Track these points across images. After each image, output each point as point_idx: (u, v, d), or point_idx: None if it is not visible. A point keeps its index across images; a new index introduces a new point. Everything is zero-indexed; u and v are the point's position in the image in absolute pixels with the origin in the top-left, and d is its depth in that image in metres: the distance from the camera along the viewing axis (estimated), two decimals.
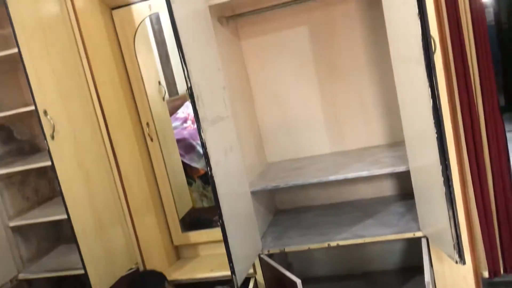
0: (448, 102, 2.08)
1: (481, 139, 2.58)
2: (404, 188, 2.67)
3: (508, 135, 6.20)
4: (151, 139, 2.76)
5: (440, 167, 1.77)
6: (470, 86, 2.50)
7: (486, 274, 2.68)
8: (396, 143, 2.61)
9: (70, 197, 2.30)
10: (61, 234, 3.23)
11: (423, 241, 2.16)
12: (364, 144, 2.74)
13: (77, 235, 2.32)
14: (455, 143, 2.12)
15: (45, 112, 2.20)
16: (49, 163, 2.35)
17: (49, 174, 3.19)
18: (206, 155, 1.98)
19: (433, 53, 1.89)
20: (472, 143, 2.54)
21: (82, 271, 2.41)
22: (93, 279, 2.37)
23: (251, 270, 2.42)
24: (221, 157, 2.11)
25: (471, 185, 2.57)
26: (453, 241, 1.82)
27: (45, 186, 3.17)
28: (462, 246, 1.83)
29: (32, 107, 2.25)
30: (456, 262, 1.85)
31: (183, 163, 3.28)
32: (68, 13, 2.48)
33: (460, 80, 2.47)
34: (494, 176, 2.62)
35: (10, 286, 2.78)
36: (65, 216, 2.36)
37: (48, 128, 2.21)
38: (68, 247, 3.10)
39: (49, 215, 2.82)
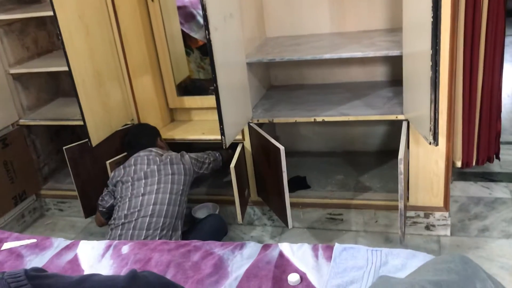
0: None
1: (479, 35, 2.61)
2: (395, 75, 2.75)
3: (509, 38, 6.12)
4: (152, 0, 2.74)
5: (431, 52, 1.82)
6: None
7: (459, 163, 2.88)
8: (396, 29, 2.62)
9: (71, 48, 2.34)
10: (59, 87, 3.33)
11: (404, 124, 2.29)
12: (365, 27, 2.74)
13: (77, 87, 2.39)
14: (451, 34, 2.14)
15: None
16: (50, 13, 2.35)
17: (48, 26, 3.21)
18: (205, 19, 2.00)
19: None
20: (470, 35, 2.58)
21: (80, 122, 2.54)
22: (90, 129, 2.50)
23: (240, 137, 2.56)
24: (220, 22, 2.13)
25: (461, 77, 2.66)
26: (430, 123, 1.93)
27: (44, 38, 3.20)
28: (438, 129, 1.95)
29: None
30: (430, 143, 1.99)
31: (183, 31, 3.28)
32: None
33: None
34: (485, 72, 2.70)
35: (12, 129, 2.94)
36: (64, 68, 2.42)
37: None
38: (66, 100, 3.23)
39: (48, 66, 2.89)
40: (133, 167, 2.40)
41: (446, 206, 2.45)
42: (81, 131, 2.89)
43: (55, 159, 3.30)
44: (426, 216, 2.49)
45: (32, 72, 2.93)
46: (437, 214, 2.47)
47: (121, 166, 2.46)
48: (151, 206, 2.26)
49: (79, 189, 2.69)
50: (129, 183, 2.35)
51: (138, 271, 1.12)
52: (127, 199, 2.31)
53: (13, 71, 2.90)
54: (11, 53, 2.92)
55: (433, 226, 2.49)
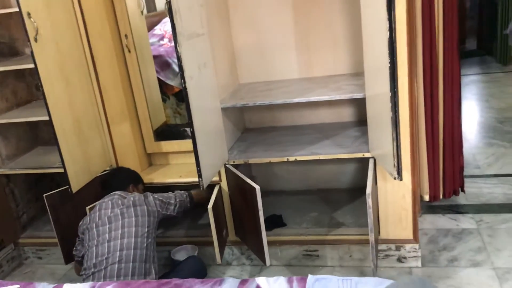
0: (407, 39, 2.25)
1: (437, 76, 2.81)
2: (361, 115, 2.91)
3: (472, 77, 6.45)
4: (129, 51, 2.88)
5: (390, 94, 1.98)
6: (434, 28, 2.70)
7: (427, 197, 3.02)
8: (360, 73, 2.80)
9: (52, 98, 2.43)
10: (39, 136, 3.40)
11: (371, 161, 2.43)
12: (331, 72, 2.93)
13: (57, 135, 2.47)
14: (409, 77, 2.32)
15: (29, 14, 2.28)
16: (29, 65, 2.46)
17: (27, 78, 3.30)
18: (181, 68, 2.14)
19: None
20: (429, 77, 2.77)
21: (59, 170, 2.61)
22: (71, 176, 2.57)
23: (217, 178, 2.66)
24: (195, 72, 2.27)
25: (423, 116, 2.84)
26: (393, 159, 2.07)
27: (23, 89, 3.28)
28: (401, 164, 2.09)
29: (14, 9, 2.32)
30: (395, 178, 2.12)
31: (159, 79, 3.42)
32: None
33: (425, 21, 2.66)
34: (445, 111, 2.89)
35: None
36: (44, 118, 2.51)
37: (32, 31, 2.30)
38: (45, 149, 3.29)
39: (28, 116, 2.97)
40: (97, 213, 2.40)
41: (415, 238, 2.57)
42: (60, 179, 2.94)
43: (34, 207, 3.33)
44: (398, 248, 2.60)
45: (11, 122, 3.00)
46: (408, 247, 2.58)
47: (88, 213, 2.49)
48: (118, 252, 2.25)
49: (59, 235, 2.73)
50: (94, 230, 2.34)
51: None
52: (94, 247, 2.30)
53: None
54: None
55: (405, 258, 2.60)
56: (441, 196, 3.04)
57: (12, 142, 3.17)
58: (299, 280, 1.60)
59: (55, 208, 2.70)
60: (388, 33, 1.90)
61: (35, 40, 2.34)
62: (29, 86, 3.32)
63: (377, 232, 2.57)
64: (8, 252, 3.09)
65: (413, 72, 2.53)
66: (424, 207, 3.12)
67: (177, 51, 2.12)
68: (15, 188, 3.19)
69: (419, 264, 2.59)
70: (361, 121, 2.87)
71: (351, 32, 2.79)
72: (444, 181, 3.03)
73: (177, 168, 3.02)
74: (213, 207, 2.45)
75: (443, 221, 2.98)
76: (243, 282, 1.67)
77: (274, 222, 2.89)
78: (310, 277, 1.60)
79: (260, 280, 1.65)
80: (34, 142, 3.38)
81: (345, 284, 1.53)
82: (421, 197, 3.01)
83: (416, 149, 2.72)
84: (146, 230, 2.38)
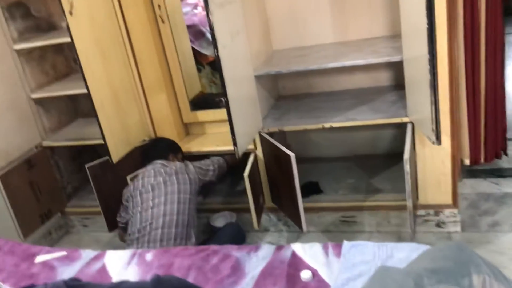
0: None
1: (479, 36, 2.69)
2: (399, 79, 2.83)
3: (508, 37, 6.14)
4: (163, 21, 2.89)
5: (428, 56, 1.92)
6: None
7: (467, 161, 2.95)
8: (397, 35, 2.72)
9: (89, 72, 2.49)
10: (79, 108, 3.49)
11: (409, 126, 2.38)
12: (366, 35, 2.85)
13: (96, 108, 2.54)
14: (448, 38, 2.23)
15: None
16: (67, 39, 2.51)
17: (65, 51, 3.37)
18: (213, 37, 2.14)
19: None
20: (470, 37, 2.65)
21: (100, 141, 2.68)
22: (111, 147, 2.64)
23: (252, 146, 2.68)
24: (228, 40, 2.26)
25: (464, 78, 2.74)
26: (432, 123, 2.02)
27: (62, 63, 3.36)
28: (440, 129, 2.04)
29: None
30: (433, 143, 2.08)
31: (193, 49, 3.42)
32: None
33: None
34: (487, 72, 2.77)
35: (36, 151, 3.09)
36: (83, 91, 2.56)
37: (67, 5, 2.33)
38: (85, 121, 3.38)
39: (68, 89, 3.05)
40: (141, 181, 2.48)
41: (455, 203, 2.53)
42: (101, 149, 3.03)
43: (77, 178, 3.45)
44: (436, 214, 2.56)
45: (53, 96, 3.09)
46: (447, 212, 2.54)
47: (129, 182, 2.56)
48: (161, 218, 2.34)
49: (102, 204, 2.83)
50: (138, 197, 2.44)
51: (161, 275, 1.22)
52: (138, 214, 2.40)
53: (34, 95, 3.06)
54: (32, 78, 3.09)
55: (443, 223, 2.57)
56: (482, 160, 2.95)
57: (54, 115, 3.28)
58: (334, 247, 1.61)
59: (97, 178, 2.79)
60: None
61: (70, 14, 2.37)
62: (67, 59, 3.40)
63: (415, 197, 2.54)
64: (56, 220, 3.24)
65: (452, 33, 2.43)
66: (465, 171, 3.05)
67: (209, 20, 2.11)
68: (59, 159, 3.31)
69: (458, 229, 2.56)
70: (399, 85, 2.80)
71: None
72: (486, 144, 2.94)
73: (214, 137, 3.05)
74: (249, 174, 2.48)
75: (485, 185, 2.91)
76: (279, 248, 1.69)
77: (311, 189, 2.90)
78: (346, 243, 1.61)
79: (296, 246, 1.67)
80: (75, 115, 3.48)
81: (381, 249, 1.53)
82: (462, 161, 2.94)
83: (457, 112, 2.64)
84: (188, 196, 2.45)
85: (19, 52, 2.97)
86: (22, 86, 3.02)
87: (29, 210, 3.00)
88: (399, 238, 2.62)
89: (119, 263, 1.80)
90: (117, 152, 2.69)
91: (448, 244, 1.19)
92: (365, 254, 1.53)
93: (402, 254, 1.49)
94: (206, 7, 2.08)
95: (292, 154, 2.32)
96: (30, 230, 3.01)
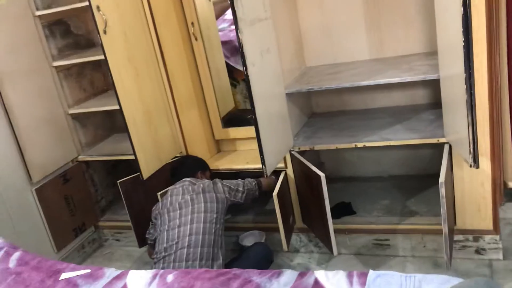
0: (487, 11, 2.06)
1: None
2: (436, 97, 2.71)
3: None
4: (196, 39, 2.90)
5: (464, 75, 1.82)
6: None
7: (511, 184, 2.79)
8: (434, 52, 2.62)
9: (121, 89, 2.52)
10: (115, 124, 3.54)
11: (446, 147, 2.27)
12: (403, 52, 2.76)
13: (128, 124, 2.57)
14: (488, 54, 2.12)
15: (98, 8, 2.36)
16: (102, 56, 2.55)
17: (103, 68, 3.44)
18: (242, 55, 2.12)
19: None
20: None
21: (132, 157, 2.70)
22: (141, 163, 2.66)
23: (283, 164, 2.63)
24: (257, 58, 2.23)
25: (507, 97, 2.60)
26: (469, 146, 1.92)
27: (99, 79, 3.43)
28: (477, 151, 1.93)
29: (86, 3, 2.40)
30: (470, 166, 1.97)
31: (228, 65, 3.42)
32: None
33: None
34: None
35: (72, 165, 3.16)
36: (117, 107, 2.60)
37: (101, 23, 2.38)
38: (121, 136, 3.43)
39: (104, 105, 3.10)
40: (169, 199, 2.48)
41: (496, 229, 2.39)
42: (135, 165, 3.05)
43: (111, 192, 3.50)
44: (475, 239, 2.43)
45: (89, 111, 3.15)
46: (487, 238, 2.40)
47: (159, 199, 2.56)
48: (187, 237, 2.32)
49: (133, 220, 2.84)
50: (166, 215, 2.43)
51: None
52: (165, 232, 2.38)
53: (72, 111, 3.13)
54: (70, 95, 3.16)
55: (484, 249, 2.42)
56: None
57: (90, 130, 3.34)
58: (360, 275, 1.53)
59: (128, 194, 2.81)
60: (462, 8, 1.74)
61: (104, 32, 2.41)
62: (105, 75, 3.46)
63: (453, 222, 2.41)
64: (89, 234, 3.28)
65: (493, 48, 2.31)
66: (508, 194, 2.88)
67: (238, 38, 2.10)
68: (94, 173, 3.36)
69: (500, 256, 2.41)
70: (437, 104, 2.68)
71: (424, 7, 2.61)
72: None
73: (245, 154, 3.02)
74: (278, 194, 2.42)
75: None
76: (302, 274, 1.63)
77: (343, 210, 2.81)
78: (371, 273, 1.52)
79: (319, 273, 1.60)
80: (111, 129, 3.54)
81: (408, 281, 1.44)
82: (505, 184, 2.78)
83: (499, 132, 2.50)
84: (215, 216, 2.42)
85: (58, 68, 3.05)
86: (60, 102, 3.09)
87: (63, 223, 3.05)
88: (435, 264, 2.49)
89: (141, 282, 1.78)
90: (147, 168, 2.71)
91: (476, 281, 1.10)
92: (392, 285, 1.45)
93: (431, 286, 1.39)
94: (236, 25, 2.07)
95: (322, 174, 2.26)
96: (64, 243, 3.06)
